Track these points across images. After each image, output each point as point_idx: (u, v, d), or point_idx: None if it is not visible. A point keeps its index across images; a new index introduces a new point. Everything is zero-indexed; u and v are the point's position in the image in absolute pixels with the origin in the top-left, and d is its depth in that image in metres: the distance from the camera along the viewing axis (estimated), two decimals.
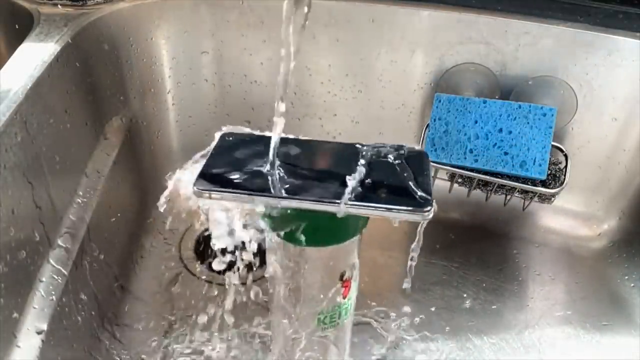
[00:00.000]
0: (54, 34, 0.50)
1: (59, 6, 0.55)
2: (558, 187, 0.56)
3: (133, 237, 0.60)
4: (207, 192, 0.29)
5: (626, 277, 0.60)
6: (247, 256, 0.32)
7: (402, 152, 0.32)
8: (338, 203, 0.28)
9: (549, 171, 0.56)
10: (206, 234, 0.41)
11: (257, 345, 0.51)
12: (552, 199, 0.59)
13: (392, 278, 0.59)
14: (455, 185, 0.61)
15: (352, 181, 0.29)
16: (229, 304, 0.54)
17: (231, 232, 0.31)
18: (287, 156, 0.31)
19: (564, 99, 0.59)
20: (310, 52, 0.62)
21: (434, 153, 0.58)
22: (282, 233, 0.32)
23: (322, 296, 0.35)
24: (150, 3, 0.60)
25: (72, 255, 0.44)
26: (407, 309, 0.55)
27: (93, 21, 0.54)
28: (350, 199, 0.28)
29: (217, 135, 0.33)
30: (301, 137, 0.33)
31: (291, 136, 0.33)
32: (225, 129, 0.34)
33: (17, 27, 0.57)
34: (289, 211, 0.29)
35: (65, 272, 0.43)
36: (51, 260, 0.43)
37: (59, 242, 0.44)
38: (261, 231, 0.32)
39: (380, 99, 0.65)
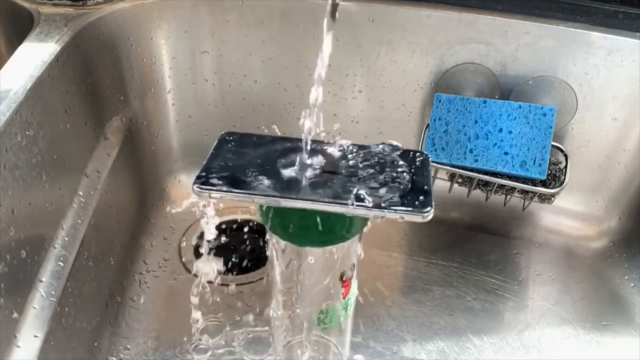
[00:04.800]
0: (54, 34, 0.50)
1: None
2: (558, 187, 0.56)
3: (133, 237, 0.60)
4: (206, 191, 0.29)
5: (626, 277, 0.60)
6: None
7: (401, 152, 0.32)
8: (339, 203, 0.28)
9: (549, 171, 0.56)
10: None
11: (257, 345, 0.51)
12: (552, 199, 0.59)
13: (392, 278, 0.59)
14: (455, 185, 0.61)
15: (354, 182, 0.29)
16: (228, 303, 0.55)
17: None
18: (287, 156, 0.31)
19: (564, 99, 0.59)
20: (310, 52, 0.62)
21: (434, 153, 0.58)
22: (282, 233, 0.32)
23: (322, 296, 0.35)
24: (150, 3, 0.60)
25: (72, 255, 0.44)
26: (407, 308, 0.55)
27: (93, 21, 0.54)
28: (351, 200, 0.28)
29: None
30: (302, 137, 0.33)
31: (293, 136, 0.33)
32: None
33: (17, 27, 0.57)
34: (288, 211, 0.29)
35: (65, 272, 0.43)
36: (51, 260, 0.42)
37: (59, 242, 0.44)
38: None
39: (380, 99, 0.65)
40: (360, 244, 0.34)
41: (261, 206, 0.31)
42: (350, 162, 0.31)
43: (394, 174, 0.30)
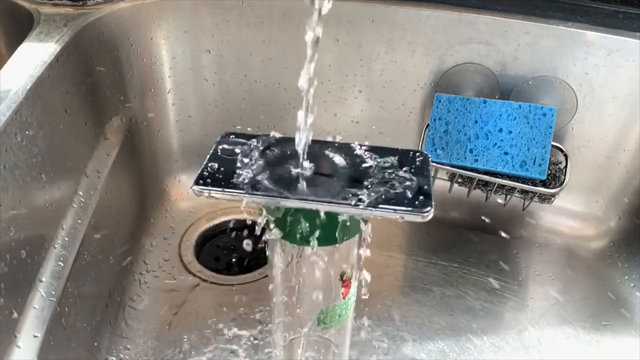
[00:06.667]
0: (54, 34, 0.50)
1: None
2: (558, 187, 0.56)
3: (133, 237, 0.60)
4: (206, 191, 0.29)
5: (626, 277, 0.60)
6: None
7: (401, 152, 0.32)
8: (339, 203, 0.28)
9: (549, 171, 0.56)
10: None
11: (257, 346, 0.51)
12: (552, 199, 0.59)
13: (392, 278, 0.59)
14: (455, 185, 0.61)
15: (354, 181, 0.29)
16: (228, 303, 0.55)
17: None
18: (287, 156, 0.31)
19: (564, 99, 0.59)
20: None
21: (434, 153, 0.58)
22: (282, 232, 0.32)
23: (322, 296, 0.35)
24: (150, 3, 0.60)
25: (72, 255, 0.44)
26: (407, 308, 0.55)
27: (93, 21, 0.54)
28: (351, 199, 0.28)
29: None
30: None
31: (292, 136, 0.33)
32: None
33: (17, 27, 0.57)
34: (288, 211, 0.29)
35: (65, 272, 0.43)
36: (51, 260, 0.43)
37: (59, 242, 0.44)
38: None
39: (380, 99, 0.65)
40: (360, 243, 0.34)
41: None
42: (350, 162, 0.31)
43: (394, 174, 0.30)
